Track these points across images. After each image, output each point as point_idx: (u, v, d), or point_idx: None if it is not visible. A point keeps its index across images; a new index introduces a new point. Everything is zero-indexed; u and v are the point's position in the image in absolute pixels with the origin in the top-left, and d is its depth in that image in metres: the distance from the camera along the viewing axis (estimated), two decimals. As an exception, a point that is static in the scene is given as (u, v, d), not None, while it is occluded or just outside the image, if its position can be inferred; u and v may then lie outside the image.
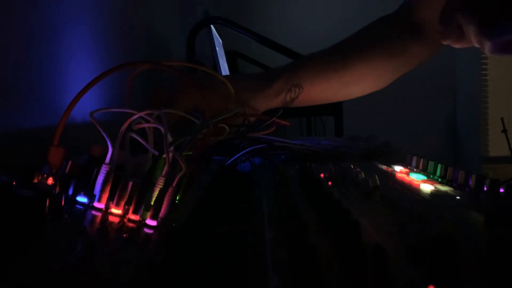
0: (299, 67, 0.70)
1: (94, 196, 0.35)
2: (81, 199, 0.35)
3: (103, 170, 0.36)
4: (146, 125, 0.40)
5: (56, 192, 0.35)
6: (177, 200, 0.36)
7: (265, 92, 0.68)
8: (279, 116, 0.60)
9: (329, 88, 0.71)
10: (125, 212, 0.35)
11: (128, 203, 0.35)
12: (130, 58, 1.08)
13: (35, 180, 0.35)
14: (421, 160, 0.52)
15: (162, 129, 0.38)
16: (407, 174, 0.49)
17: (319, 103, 0.75)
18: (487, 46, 0.43)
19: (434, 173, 0.48)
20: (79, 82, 0.72)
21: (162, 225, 0.33)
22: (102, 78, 0.40)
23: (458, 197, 0.38)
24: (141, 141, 0.40)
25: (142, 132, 0.41)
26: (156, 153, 0.38)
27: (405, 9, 0.72)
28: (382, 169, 0.54)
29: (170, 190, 0.35)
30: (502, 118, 0.72)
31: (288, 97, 0.68)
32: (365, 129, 1.07)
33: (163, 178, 0.35)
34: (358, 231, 0.25)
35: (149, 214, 0.34)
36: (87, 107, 0.41)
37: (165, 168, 0.36)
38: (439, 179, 0.46)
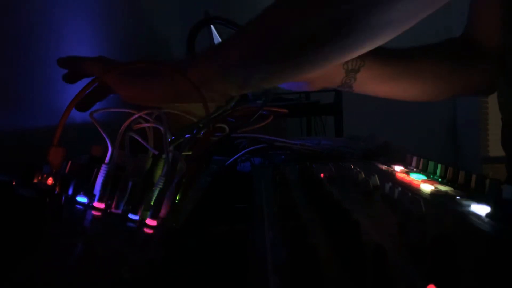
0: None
1: (94, 196, 0.35)
2: (81, 199, 0.35)
3: (103, 170, 0.36)
4: (146, 125, 0.40)
5: (56, 192, 0.35)
6: (177, 200, 0.36)
7: None
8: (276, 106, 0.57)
9: (388, 79, 0.69)
10: (125, 212, 0.35)
11: (128, 203, 0.35)
12: (130, 58, 1.08)
13: (35, 180, 0.35)
14: (421, 160, 0.52)
15: (162, 128, 0.38)
16: (407, 174, 0.49)
17: (368, 92, 0.71)
18: None
19: (434, 173, 0.48)
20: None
21: (162, 225, 0.33)
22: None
23: (458, 197, 0.38)
24: (141, 141, 0.40)
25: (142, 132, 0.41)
26: (156, 153, 0.38)
27: (471, 35, 0.71)
28: (382, 169, 0.54)
29: (170, 190, 0.35)
30: (502, 118, 0.72)
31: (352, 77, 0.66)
32: (365, 129, 1.07)
33: (163, 178, 0.35)
34: (358, 231, 0.25)
35: (149, 214, 0.34)
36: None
37: (165, 168, 0.36)
38: (439, 179, 0.46)
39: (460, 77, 0.71)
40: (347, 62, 0.65)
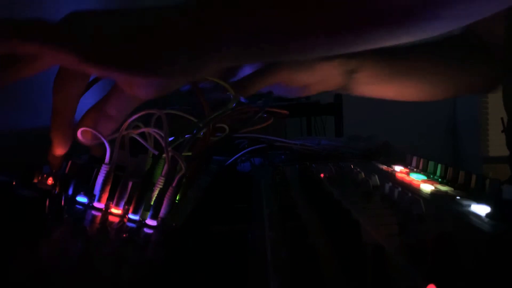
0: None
1: (94, 196, 0.35)
2: (81, 199, 0.35)
3: (103, 170, 0.36)
4: (144, 129, 0.40)
5: (56, 192, 0.35)
6: (177, 200, 0.36)
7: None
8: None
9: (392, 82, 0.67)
10: (125, 212, 0.35)
11: (128, 203, 0.35)
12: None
13: (35, 180, 0.35)
14: (421, 160, 0.52)
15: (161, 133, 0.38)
16: (407, 174, 0.49)
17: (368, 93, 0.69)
18: None
19: (434, 173, 0.48)
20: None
21: (162, 225, 0.33)
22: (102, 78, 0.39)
23: (458, 197, 0.38)
24: (142, 141, 0.40)
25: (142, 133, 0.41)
26: (156, 153, 0.38)
27: (472, 32, 0.70)
28: (382, 169, 0.54)
29: (170, 190, 0.35)
30: (502, 118, 0.72)
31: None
32: (365, 129, 1.07)
33: (163, 178, 0.36)
34: (358, 231, 0.25)
35: (149, 214, 0.34)
36: (87, 107, 0.41)
37: (165, 168, 0.36)
38: (439, 179, 0.46)
39: (461, 76, 0.69)
40: (345, 64, 0.62)
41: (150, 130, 0.39)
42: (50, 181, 0.35)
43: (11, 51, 0.30)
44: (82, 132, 0.35)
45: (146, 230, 0.33)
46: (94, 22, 0.32)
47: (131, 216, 0.34)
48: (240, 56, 0.35)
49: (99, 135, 0.36)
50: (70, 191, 0.36)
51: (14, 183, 0.34)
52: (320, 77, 0.62)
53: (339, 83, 0.64)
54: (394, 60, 0.66)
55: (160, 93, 0.34)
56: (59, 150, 0.35)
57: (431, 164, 0.49)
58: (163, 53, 0.31)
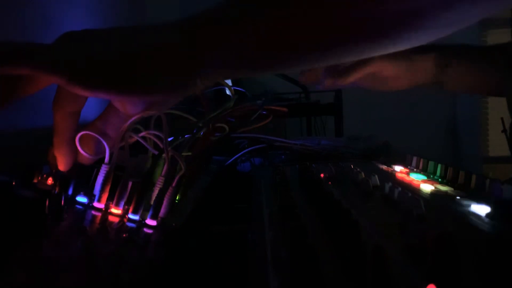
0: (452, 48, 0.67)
1: (94, 196, 0.35)
2: (81, 199, 0.35)
3: (103, 170, 0.36)
4: (144, 133, 0.40)
5: (56, 192, 0.35)
6: (177, 200, 0.36)
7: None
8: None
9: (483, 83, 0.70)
10: (125, 212, 0.35)
11: (128, 203, 0.35)
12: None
13: (35, 180, 0.35)
14: (421, 160, 0.52)
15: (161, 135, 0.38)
16: (407, 174, 0.49)
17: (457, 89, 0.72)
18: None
19: (434, 173, 0.48)
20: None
21: (162, 225, 0.33)
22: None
23: (458, 197, 0.38)
24: (141, 141, 0.40)
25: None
26: (156, 153, 0.38)
27: None
28: (382, 169, 0.54)
29: (170, 190, 0.35)
30: (502, 118, 0.72)
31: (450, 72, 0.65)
32: (365, 129, 1.07)
33: (163, 178, 0.35)
34: (358, 231, 0.25)
35: (149, 214, 0.34)
36: (87, 107, 0.41)
37: (165, 168, 0.36)
38: (439, 179, 0.46)
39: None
40: (441, 57, 0.64)
41: (149, 133, 0.39)
42: (50, 181, 0.35)
43: (5, 74, 0.31)
44: (83, 144, 0.35)
45: (146, 230, 0.33)
46: (85, 44, 0.32)
47: (131, 216, 0.34)
48: (230, 73, 0.35)
49: (100, 138, 0.36)
50: (70, 191, 0.36)
51: (14, 183, 0.34)
52: (415, 69, 0.63)
53: (431, 76, 0.65)
54: (479, 56, 0.68)
55: (153, 110, 0.35)
56: (63, 167, 0.35)
57: (431, 164, 0.49)
58: (153, 73, 0.31)
